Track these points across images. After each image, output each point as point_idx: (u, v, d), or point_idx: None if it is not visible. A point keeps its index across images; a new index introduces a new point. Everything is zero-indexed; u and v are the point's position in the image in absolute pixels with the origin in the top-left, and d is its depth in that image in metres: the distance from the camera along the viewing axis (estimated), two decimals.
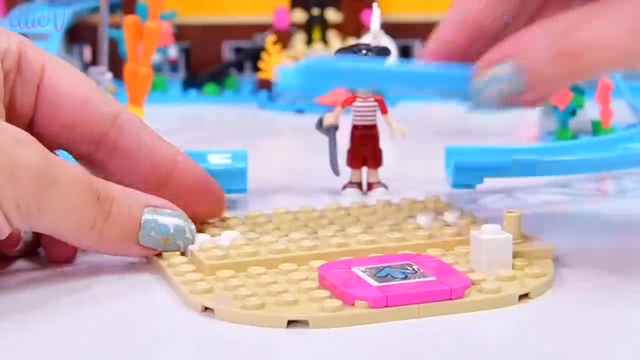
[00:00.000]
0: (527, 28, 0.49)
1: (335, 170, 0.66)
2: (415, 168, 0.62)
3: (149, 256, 0.54)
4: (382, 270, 0.50)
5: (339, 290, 0.48)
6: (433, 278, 0.49)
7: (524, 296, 0.50)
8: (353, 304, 0.47)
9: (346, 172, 0.66)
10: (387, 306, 0.47)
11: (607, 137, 0.72)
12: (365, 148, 0.65)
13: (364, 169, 0.65)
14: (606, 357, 0.44)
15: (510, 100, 0.50)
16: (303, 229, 0.57)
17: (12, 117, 0.53)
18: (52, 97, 0.54)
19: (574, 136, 0.81)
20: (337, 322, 0.47)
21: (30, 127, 0.54)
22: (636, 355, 0.44)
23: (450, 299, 0.48)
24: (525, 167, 0.66)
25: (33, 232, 0.54)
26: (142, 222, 0.53)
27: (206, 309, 0.48)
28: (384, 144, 0.65)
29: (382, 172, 0.66)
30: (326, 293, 0.48)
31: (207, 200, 0.58)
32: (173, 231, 0.53)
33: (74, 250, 0.55)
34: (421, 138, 0.63)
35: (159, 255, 0.54)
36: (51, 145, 0.54)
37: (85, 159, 0.56)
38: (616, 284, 0.52)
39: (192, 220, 0.55)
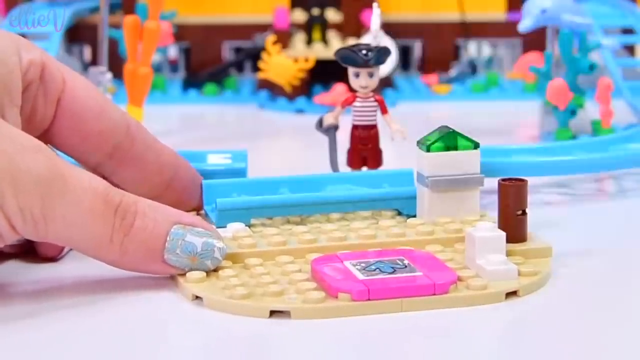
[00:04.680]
0: None
1: (335, 170, 0.66)
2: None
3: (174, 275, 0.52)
4: (373, 264, 0.50)
5: (325, 283, 0.49)
6: (420, 273, 0.50)
7: (513, 294, 0.50)
8: (336, 297, 0.48)
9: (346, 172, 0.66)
10: (369, 299, 0.48)
11: (607, 137, 0.72)
12: (365, 148, 0.65)
13: (364, 169, 0.65)
14: (587, 358, 0.44)
15: None
16: (309, 223, 0.58)
17: (30, 128, 0.54)
18: (72, 109, 0.55)
19: (574, 136, 0.81)
20: (319, 313, 0.47)
21: (46, 138, 0.55)
22: (618, 357, 0.44)
23: (434, 294, 0.49)
24: (525, 167, 0.66)
25: None
26: (168, 238, 0.51)
27: (197, 297, 0.50)
28: (384, 144, 0.65)
29: None
30: (312, 285, 0.49)
31: (200, 195, 0.60)
32: (201, 250, 0.51)
33: (61, 248, 0.55)
34: None
35: None
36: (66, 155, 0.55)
37: (95, 169, 0.56)
38: (611, 285, 0.53)
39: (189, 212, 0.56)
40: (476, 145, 0.57)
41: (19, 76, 0.53)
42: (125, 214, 0.50)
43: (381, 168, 0.65)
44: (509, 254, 0.52)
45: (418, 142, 0.58)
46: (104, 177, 0.56)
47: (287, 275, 0.51)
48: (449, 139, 0.57)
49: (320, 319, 0.47)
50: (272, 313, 0.48)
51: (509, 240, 0.52)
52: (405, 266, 0.51)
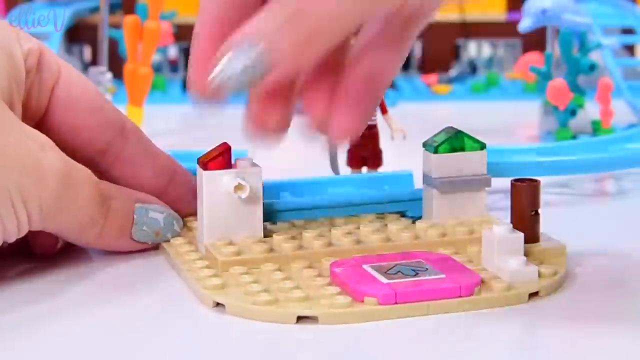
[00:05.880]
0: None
1: (335, 170, 0.66)
2: (415, 168, 0.61)
3: (138, 249, 0.55)
4: (392, 267, 0.50)
5: (349, 287, 0.48)
6: (443, 275, 0.50)
7: (534, 294, 0.50)
8: (362, 301, 0.48)
9: (346, 172, 0.66)
10: (396, 303, 0.48)
11: (607, 137, 0.72)
12: (365, 148, 0.65)
13: (364, 169, 0.65)
14: (614, 357, 0.44)
15: (257, 83, 0.46)
16: (318, 227, 0.57)
17: (24, 118, 0.54)
18: (65, 100, 0.55)
19: (574, 136, 0.81)
20: (347, 318, 0.47)
21: (38, 129, 0.54)
22: None
23: (460, 297, 0.48)
24: (525, 167, 0.66)
25: None
26: (134, 217, 0.55)
27: (218, 304, 0.49)
28: (384, 144, 0.65)
29: None
30: (336, 290, 0.49)
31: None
32: (163, 225, 0.55)
33: (57, 241, 0.55)
34: (421, 138, 0.62)
35: (174, 250, 0.55)
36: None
37: (87, 165, 0.56)
38: (625, 284, 0.52)
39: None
40: (483, 146, 0.57)
41: (23, 68, 0.53)
42: (106, 198, 0.54)
43: (381, 168, 0.65)
44: (525, 254, 0.51)
45: (424, 144, 0.57)
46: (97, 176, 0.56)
47: (306, 280, 0.50)
48: (455, 140, 0.56)
49: (346, 324, 0.47)
50: (298, 319, 0.47)
51: (524, 240, 0.52)
52: (427, 269, 0.50)
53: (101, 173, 0.56)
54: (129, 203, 0.55)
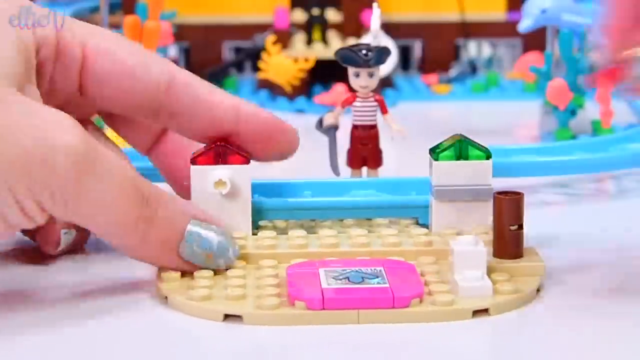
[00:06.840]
0: None
1: (335, 170, 0.66)
2: (416, 168, 0.61)
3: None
4: (345, 273, 0.49)
5: (287, 290, 0.48)
6: (386, 285, 0.48)
7: (484, 312, 0.48)
8: (293, 304, 0.47)
9: (346, 172, 0.66)
10: (324, 309, 0.47)
11: (607, 137, 0.72)
12: (365, 148, 0.65)
13: (364, 169, 0.65)
14: None
15: None
16: (321, 227, 0.57)
17: (50, 98, 0.52)
18: (95, 78, 0.54)
19: (574, 136, 0.81)
20: (271, 320, 0.47)
21: (70, 105, 0.53)
22: None
23: (393, 308, 0.47)
24: (525, 167, 0.66)
25: None
26: (186, 232, 0.50)
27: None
28: (384, 144, 0.65)
29: (382, 172, 0.66)
30: (275, 291, 0.48)
31: (278, 142, 0.56)
32: (216, 248, 0.51)
33: (59, 242, 0.54)
34: (421, 138, 0.62)
35: None
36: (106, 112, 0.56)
37: (146, 130, 0.57)
38: (599, 306, 0.50)
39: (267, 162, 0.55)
40: (489, 156, 0.56)
41: (33, 53, 0.52)
42: (151, 202, 0.49)
43: (381, 169, 0.65)
44: (495, 270, 0.50)
45: (430, 150, 0.56)
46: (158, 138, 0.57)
47: (260, 279, 0.50)
48: (459, 148, 0.55)
49: (273, 326, 0.46)
50: (226, 317, 0.47)
51: (502, 255, 0.51)
52: (376, 277, 0.49)
53: (163, 133, 0.56)
54: (181, 217, 0.51)
